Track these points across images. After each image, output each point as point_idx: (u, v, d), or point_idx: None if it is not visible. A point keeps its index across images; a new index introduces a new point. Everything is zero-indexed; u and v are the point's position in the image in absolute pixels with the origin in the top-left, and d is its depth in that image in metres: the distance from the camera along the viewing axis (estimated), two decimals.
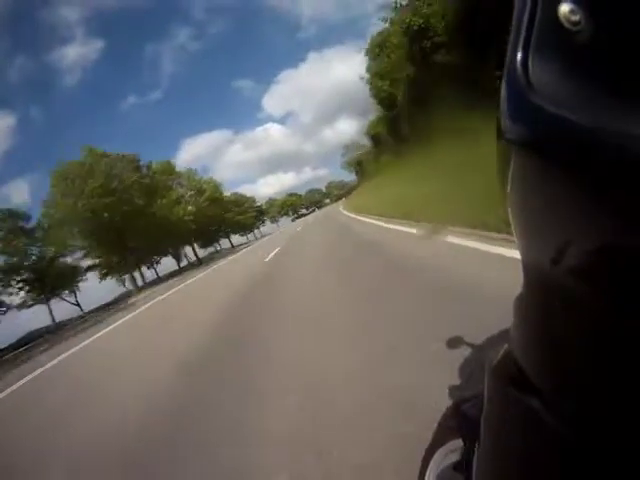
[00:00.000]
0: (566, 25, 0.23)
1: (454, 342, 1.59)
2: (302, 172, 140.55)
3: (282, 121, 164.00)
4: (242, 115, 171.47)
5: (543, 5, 0.24)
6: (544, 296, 0.28)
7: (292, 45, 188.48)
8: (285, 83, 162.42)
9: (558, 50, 0.24)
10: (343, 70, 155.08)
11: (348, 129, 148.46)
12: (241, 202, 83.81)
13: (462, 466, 0.57)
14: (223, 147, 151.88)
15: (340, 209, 32.46)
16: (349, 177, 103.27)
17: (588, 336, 0.25)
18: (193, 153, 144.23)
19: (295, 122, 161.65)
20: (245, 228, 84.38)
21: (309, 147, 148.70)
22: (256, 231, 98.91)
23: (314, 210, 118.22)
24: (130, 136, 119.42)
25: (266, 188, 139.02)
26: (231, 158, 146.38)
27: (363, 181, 47.35)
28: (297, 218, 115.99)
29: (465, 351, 1.60)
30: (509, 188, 0.28)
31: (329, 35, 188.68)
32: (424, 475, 0.71)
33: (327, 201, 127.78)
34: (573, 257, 0.23)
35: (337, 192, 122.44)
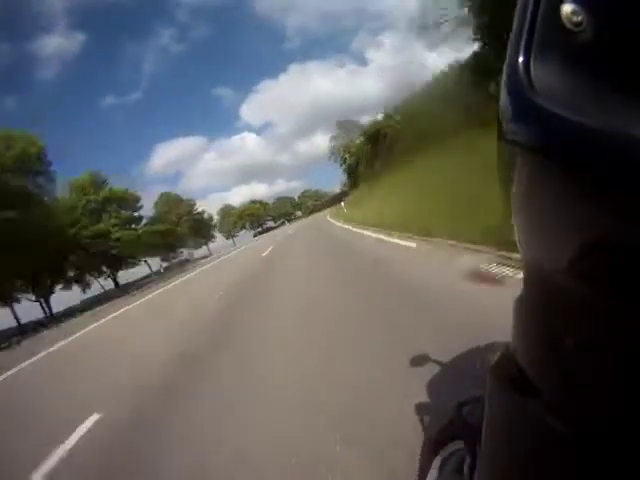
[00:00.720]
0: (568, 25, 0.23)
1: (419, 360, 1.61)
2: (275, 184, 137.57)
3: (258, 131, 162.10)
4: (219, 122, 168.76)
5: (545, 5, 0.24)
6: (544, 296, 0.28)
7: (275, 55, 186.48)
8: (264, 93, 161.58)
9: (560, 50, 0.24)
10: (323, 84, 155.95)
11: (323, 143, 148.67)
12: (174, 205, 59.99)
13: (463, 469, 0.57)
14: (198, 154, 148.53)
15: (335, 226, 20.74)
16: (327, 188, 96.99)
17: (588, 336, 0.25)
18: (168, 157, 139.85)
19: (271, 133, 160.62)
20: (168, 248, 51.93)
21: (284, 159, 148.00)
22: (192, 251, 68.85)
23: (283, 223, 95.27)
24: (105, 134, 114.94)
25: (239, 198, 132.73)
26: (205, 165, 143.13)
27: (354, 189, 41.27)
28: (261, 233, 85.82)
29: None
30: (511, 189, 0.28)
31: (312, 48, 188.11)
32: (425, 478, 0.71)
33: (299, 214, 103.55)
34: (573, 257, 0.23)
35: (313, 203, 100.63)
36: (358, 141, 39.32)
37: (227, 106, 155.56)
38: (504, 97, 0.26)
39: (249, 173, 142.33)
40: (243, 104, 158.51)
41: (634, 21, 0.22)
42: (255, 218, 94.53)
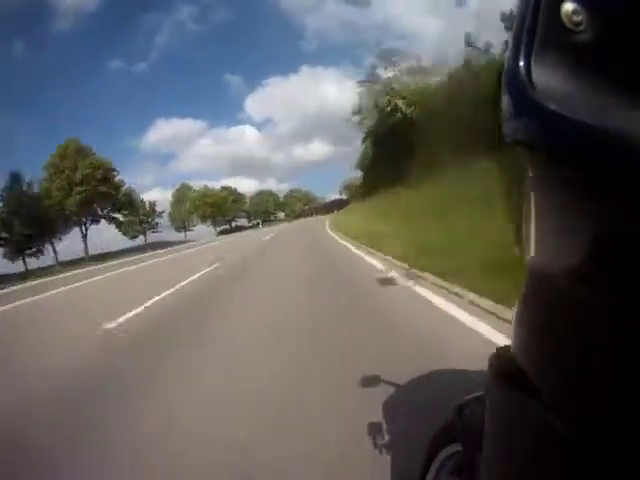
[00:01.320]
0: (568, 25, 0.23)
1: (370, 381, 1.61)
2: (266, 182, 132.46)
3: (259, 126, 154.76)
4: (222, 110, 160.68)
5: (545, 5, 0.24)
6: (545, 297, 0.28)
7: (290, 53, 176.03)
8: (272, 89, 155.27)
9: (561, 50, 0.24)
10: (330, 92, 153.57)
11: (320, 151, 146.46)
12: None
13: (462, 469, 0.57)
14: (195, 137, 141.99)
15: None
16: (318, 193, 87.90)
17: (588, 336, 0.25)
18: (164, 135, 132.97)
19: (271, 130, 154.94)
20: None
21: (278, 158, 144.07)
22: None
23: (258, 225, 70.46)
24: (109, 98, 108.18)
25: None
26: (200, 150, 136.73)
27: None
28: (226, 233, 64.92)
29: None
30: (511, 189, 0.32)
31: (327, 54, 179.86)
32: (424, 478, 0.71)
33: (281, 216, 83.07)
34: (574, 257, 0.23)
35: (301, 206, 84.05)
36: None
37: (233, 95, 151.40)
38: (505, 97, 0.26)
39: (241, 166, 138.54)
40: (249, 96, 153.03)
41: (634, 21, 0.22)
42: (220, 210, 68.50)
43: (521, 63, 0.25)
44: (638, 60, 0.22)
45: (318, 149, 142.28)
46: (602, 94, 0.22)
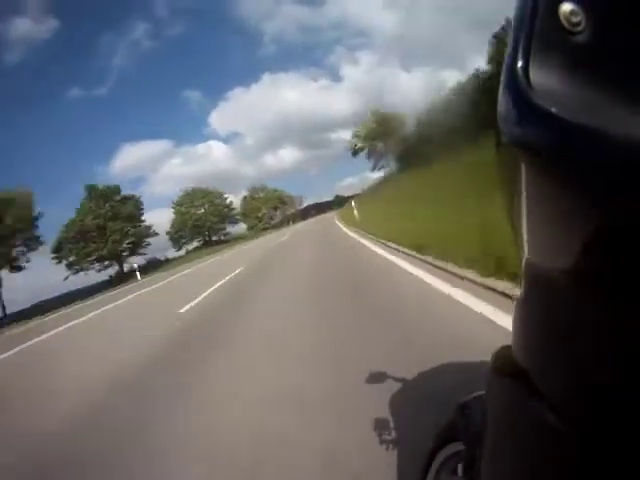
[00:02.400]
0: (567, 26, 0.23)
1: (377, 377, 1.63)
2: (240, 194, 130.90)
3: (226, 140, 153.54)
4: (186, 127, 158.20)
5: (544, 6, 0.24)
6: (544, 296, 0.28)
7: (249, 62, 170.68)
8: (235, 101, 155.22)
9: (559, 51, 0.24)
10: (294, 97, 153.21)
11: (290, 158, 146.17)
12: None
13: (463, 468, 0.57)
14: (163, 158, 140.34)
15: None
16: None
17: (588, 336, 0.25)
18: (132, 159, 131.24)
19: (239, 143, 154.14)
20: None
21: (249, 170, 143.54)
22: None
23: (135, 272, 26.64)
24: (68, 127, 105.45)
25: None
26: (169, 171, 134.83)
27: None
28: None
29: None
30: (509, 190, 0.28)
31: (287, 58, 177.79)
32: (425, 478, 0.71)
33: (236, 230, 61.32)
34: (573, 257, 0.23)
35: (269, 212, 66.47)
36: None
37: (196, 111, 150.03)
38: (503, 98, 0.26)
39: (214, 182, 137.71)
40: (213, 111, 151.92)
41: (632, 21, 0.22)
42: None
43: (519, 63, 0.24)
44: (637, 61, 0.22)
45: (288, 155, 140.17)
46: (600, 95, 0.22)
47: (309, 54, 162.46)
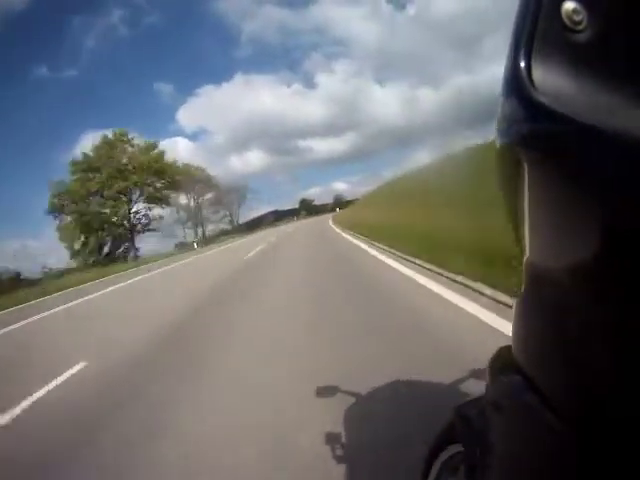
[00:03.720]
0: (569, 24, 0.23)
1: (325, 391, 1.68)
2: (204, 197, 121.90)
3: (193, 137, 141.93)
4: (154, 121, 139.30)
5: (546, 4, 0.24)
6: (544, 297, 0.28)
7: (223, 60, 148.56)
8: (205, 98, 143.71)
9: (561, 49, 0.24)
10: (266, 100, 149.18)
11: (257, 162, 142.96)
12: None
13: (464, 470, 0.56)
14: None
15: None
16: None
17: (588, 336, 0.25)
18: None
19: (206, 142, 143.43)
20: None
21: (215, 171, 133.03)
22: None
23: None
24: (34, 107, 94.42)
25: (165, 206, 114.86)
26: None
27: None
28: None
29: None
30: (510, 189, 0.28)
31: (262, 60, 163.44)
32: (426, 478, 0.71)
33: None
34: (574, 258, 0.23)
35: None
36: None
37: (165, 105, 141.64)
38: (505, 97, 0.26)
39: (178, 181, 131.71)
40: (182, 106, 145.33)
41: (634, 20, 0.22)
42: None
43: (521, 62, 0.24)
44: (639, 59, 0.22)
45: (255, 158, 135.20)
46: (602, 93, 0.22)
47: (285, 58, 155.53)
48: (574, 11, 0.23)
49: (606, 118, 0.21)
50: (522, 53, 0.25)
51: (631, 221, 0.20)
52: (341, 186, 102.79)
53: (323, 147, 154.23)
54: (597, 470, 0.25)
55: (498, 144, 0.28)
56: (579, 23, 0.23)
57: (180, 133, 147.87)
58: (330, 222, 24.10)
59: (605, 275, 0.22)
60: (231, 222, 51.49)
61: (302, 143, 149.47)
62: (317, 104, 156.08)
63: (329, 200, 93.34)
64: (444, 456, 0.68)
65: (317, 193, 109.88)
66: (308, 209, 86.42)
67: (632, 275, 0.21)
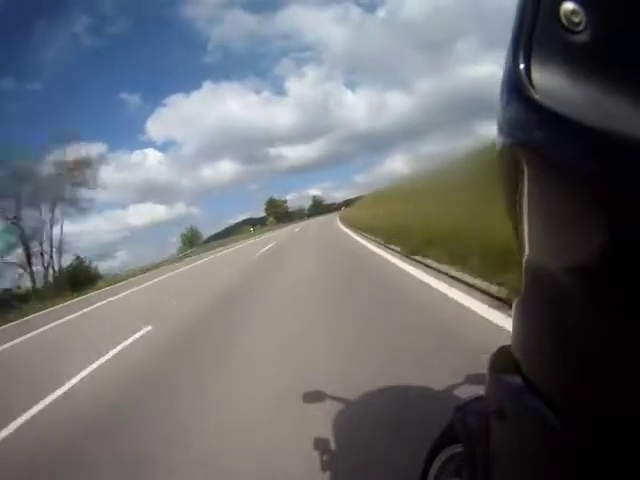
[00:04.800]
0: (568, 25, 0.23)
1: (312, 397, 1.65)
2: (175, 207, 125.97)
3: (163, 148, 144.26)
4: (122, 132, 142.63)
5: (545, 5, 0.24)
6: (544, 297, 0.28)
7: (191, 68, 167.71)
8: (174, 108, 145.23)
9: (560, 50, 0.23)
10: (235, 108, 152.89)
11: (228, 171, 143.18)
12: None
13: (463, 470, 0.57)
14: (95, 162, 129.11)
15: None
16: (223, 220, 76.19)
17: (588, 336, 0.25)
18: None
19: (176, 153, 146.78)
20: None
21: (186, 182, 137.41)
22: None
23: None
24: None
25: (136, 217, 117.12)
26: (103, 177, 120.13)
27: None
28: None
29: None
30: (510, 190, 0.27)
31: (231, 66, 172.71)
32: (426, 478, 0.71)
33: None
34: (573, 258, 0.23)
35: None
36: None
37: (133, 116, 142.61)
38: (504, 98, 0.26)
39: (149, 192, 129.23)
40: (151, 117, 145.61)
41: (633, 21, 0.22)
42: None
43: (520, 63, 0.24)
44: (637, 60, 0.22)
45: (226, 168, 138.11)
46: (601, 94, 0.22)
47: (254, 64, 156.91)
48: (573, 12, 0.23)
49: (605, 119, 0.21)
50: (521, 54, 0.25)
51: (630, 221, 0.20)
52: (315, 192, 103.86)
53: (295, 154, 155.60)
54: (597, 470, 0.25)
55: (498, 145, 0.28)
56: (578, 24, 0.23)
57: (150, 144, 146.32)
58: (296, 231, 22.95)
59: (605, 275, 0.22)
60: None
61: (273, 151, 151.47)
62: (287, 111, 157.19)
63: (306, 205, 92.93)
64: (444, 456, 0.68)
65: (292, 199, 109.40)
66: (278, 215, 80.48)
67: (631, 275, 0.21)
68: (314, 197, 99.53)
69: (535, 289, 0.29)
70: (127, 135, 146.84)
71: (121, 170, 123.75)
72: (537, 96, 0.23)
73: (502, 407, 0.34)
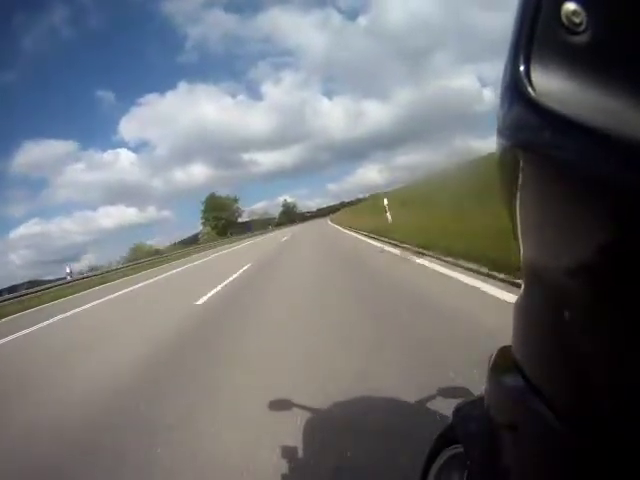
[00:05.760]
0: (568, 25, 0.23)
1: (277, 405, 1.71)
2: (146, 210, 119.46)
3: (136, 149, 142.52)
4: (94, 131, 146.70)
5: (546, 5, 0.24)
6: (544, 297, 0.28)
7: (166, 68, 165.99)
8: (148, 108, 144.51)
9: (561, 51, 0.24)
10: (210, 111, 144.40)
11: (201, 175, 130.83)
12: None
13: (463, 469, 0.57)
14: (66, 161, 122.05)
15: None
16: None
17: (588, 336, 0.25)
18: (34, 157, 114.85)
19: (149, 154, 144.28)
20: None
21: (158, 184, 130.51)
22: None
23: None
24: None
25: (107, 219, 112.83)
26: (73, 176, 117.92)
27: None
28: None
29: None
30: (510, 191, 0.28)
31: (207, 68, 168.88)
32: (426, 478, 0.71)
33: None
34: (574, 258, 0.23)
35: None
36: None
37: (106, 114, 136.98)
38: (505, 99, 0.26)
39: (120, 194, 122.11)
40: (124, 116, 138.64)
41: (635, 21, 0.22)
42: None
43: (520, 63, 0.24)
44: (639, 60, 0.22)
45: (199, 172, 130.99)
46: (602, 95, 0.22)
47: (231, 66, 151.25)
48: (574, 13, 0.23)
49: (606, 120, 0.21)
50: (521, 54, 0.25)
51: (630, 222, 0.20)
52: (288, 200, 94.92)
53: (268, 160, 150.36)
54: (597, 471, 0.25)
55: (497, 146, 0.28)
56: (579, 25, 0.23)
57: (123, 145, 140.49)
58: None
59: (605, 276, 0.22)
60: None
61: (247, 156, 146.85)
62: (262, 116, 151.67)
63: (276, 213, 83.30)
64: (444, 456, 0.68)
65: (264, 207, 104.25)
66: (226, 224, 57.66)
67: (632, 275, 0.21)
68: (285, 202, 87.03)
69: (535, 289, 0.29)
70: (99, 134, 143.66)
71: (92, 170, 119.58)
72: (537, 97, 0.23)
73: (502, 407, 0.34)
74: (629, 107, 0.21)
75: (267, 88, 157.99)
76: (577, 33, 0.23)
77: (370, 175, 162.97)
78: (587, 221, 0.22)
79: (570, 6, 0.23)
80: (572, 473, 0.27)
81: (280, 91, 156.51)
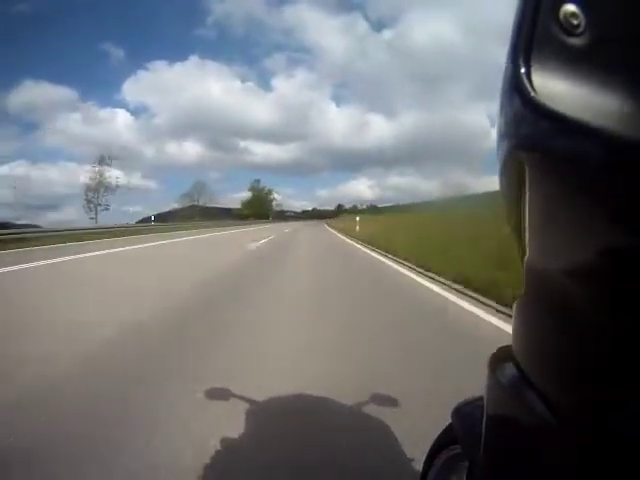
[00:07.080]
0: (568, 27, 0.23)
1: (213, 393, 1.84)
2: (132, 175, 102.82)
3: (135, 112, 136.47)
4: (97, 85, 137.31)
5: (545, 7, 0.24)
6: (545, 298, 0.28)
7: (182, 38, 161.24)
8: (155, 74, 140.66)
9: (560, 52, 0.24)
10: (216, 91, 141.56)
11: (192, 152, 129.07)
12: None
13: (463, 469, 0.57)
14: (62, 109, 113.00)
15: None
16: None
17: (588, 337, 0.25)
18: (30, 97, 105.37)
19: (146, 121, 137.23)
20: None
21: (149, 152, 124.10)
22: None
23: None
24: None
25: (88, 176, 70.25)
26: (67, 126, 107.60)
27: None
28: None
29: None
30: (512, 192, 0.28)
31: (222, 47, 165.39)
32: (425, 478, 0.72)
33: None
34: (574, 258, 0.23)
35: None
36: None
37: (112, 71, 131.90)
38: (505, 101, 0.26)
39: (110, 154, 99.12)
40: (129, 78, 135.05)
41: (634, 23, 0.22)
42: None
43: (520, 65, 0.24)
44: (637, 61, 0.22)
45: (192, 149, 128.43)
46: (602, 96, 0.22)
47: (246, 51, 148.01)
48: (573, 14, 0.23)
49: (606, 120, 0.21)
50: (521, 56, 0.25)
51: (631, 223, 0.20)
52: (273, 196, 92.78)
53: (262, 151, 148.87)
54: (596, 470, 0.25)
55: (498, 148, 0.28)
56: (577, 26, 0.23)
57: (122, 105, 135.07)
58: None
59: (605, 275, 0.22)
60: None
61: (242, 143, 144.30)
62: (266, 107, 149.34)
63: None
64: (444, 456, 0.68)
65: (244, 198, 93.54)
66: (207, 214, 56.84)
67: (633, 276, 0.21)
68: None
69: (536, 290, 0.29)
70: (101, 89, 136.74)
71: (87, 123, 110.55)
72: (538, 98, 0.23)
73: (502, 407, 0.34)
74: (628, 107, 0.21)
75: (278, 81, 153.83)
76: (576, 35, 0.23)
77: (361, 188, 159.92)
78: (589, 221, 0.23)
79: (569, 8, 0.23)
80: (572, 472, 0.27)
81: (290, 86, 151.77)
